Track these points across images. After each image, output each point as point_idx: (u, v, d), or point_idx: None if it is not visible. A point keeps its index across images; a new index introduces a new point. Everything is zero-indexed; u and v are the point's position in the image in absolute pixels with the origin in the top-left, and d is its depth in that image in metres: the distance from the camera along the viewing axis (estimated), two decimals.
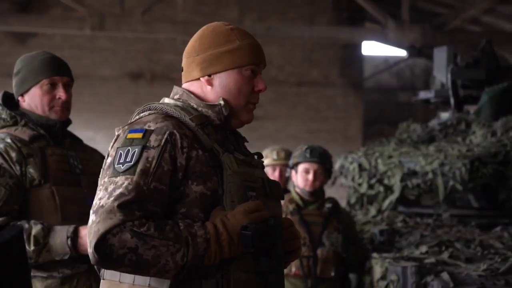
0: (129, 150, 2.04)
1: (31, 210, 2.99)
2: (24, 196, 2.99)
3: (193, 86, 2.24)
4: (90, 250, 1.96)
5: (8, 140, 3.02)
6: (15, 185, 2.96)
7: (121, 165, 2.02)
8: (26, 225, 2.92)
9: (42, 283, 3.01)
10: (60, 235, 2.93)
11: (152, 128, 2.07)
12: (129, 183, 1.99)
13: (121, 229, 1.94)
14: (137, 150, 2.04)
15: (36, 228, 2.92)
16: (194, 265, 1.99)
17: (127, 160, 2.03)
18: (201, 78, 2.21)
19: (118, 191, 1.98)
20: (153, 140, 2.05)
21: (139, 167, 2.01)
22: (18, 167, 2.98)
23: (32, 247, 2.91)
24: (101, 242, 1.94)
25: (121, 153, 2.05)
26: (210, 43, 2.20)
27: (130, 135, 2.07)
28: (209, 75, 2.20)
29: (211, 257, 2.00)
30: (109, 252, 1.94)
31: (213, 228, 2.01)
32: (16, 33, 12.74)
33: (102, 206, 1.97)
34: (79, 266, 3.00)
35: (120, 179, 2.00)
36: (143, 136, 2.06)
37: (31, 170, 2.99)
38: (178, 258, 1.96)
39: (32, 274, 2.97)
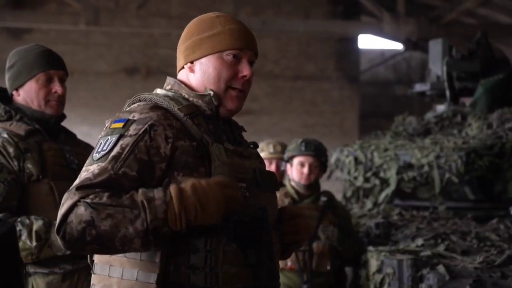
0: (108, 139, 2.04)
1: (30, 206, 2.97)
2: (22, 191, 2.97)
3: (181, 75, 2.24)
4: (58, 237, 1.95)
5: (5, 135, 2.99)
6: (13, 181, 2.94)
7: (97, 154, 2.02)
8: (27, 221, 2.90)
9: (44, 279, 2.99)
10: None
11: (135, 118, 2.06)
12: (96, 168, 1.98)
13: (76, 205, 1.93)
14: (114, 138, 2.03)
15: (37, 224, 2.90)
16: (159, 230, 1.93)
17: (103, 148, 2.02)
18: (185, 66, 2.21)
19: (84, 176, 1.98)
20: (132, 129, 2.04)
21: (112, 153, 2.00)
22: (16, 163, 2.96)
23: (34, 243, 2.89)
24: (63, 224, 1.93)
25: (101, 142, 2.05)
26: (194, 31, 2.20)
27: (113, 125, 2.07)
28: (192, 62, 2.19)
29: (174, 220, 1.94)
30: (70, 231, 1.92)
31: (177, 190, 1.96)
32: (10, 28, 12.72)
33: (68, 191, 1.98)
34: (80, 262, 2.98)
35: (92, 167, 2.00)
36: (123, 126, 2.05)
37: (29, 165, 2.97)
38: (137, 224, 1.92)
39: (33, 270, 2.97)
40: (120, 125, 2.05)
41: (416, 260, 3.87)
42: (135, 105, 2.17)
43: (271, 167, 5.41)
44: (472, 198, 5.14)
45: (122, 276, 2.04)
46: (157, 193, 1.95)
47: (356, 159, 5.56)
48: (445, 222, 4.83)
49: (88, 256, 2.14)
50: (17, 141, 2.99)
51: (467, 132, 5.41)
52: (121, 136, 2.03)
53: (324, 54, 13.85)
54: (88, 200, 1.92)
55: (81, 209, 1.92)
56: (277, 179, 2.29)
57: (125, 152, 2.00)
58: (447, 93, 5.93)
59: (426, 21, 11.66)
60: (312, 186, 4.66)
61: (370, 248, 4.42)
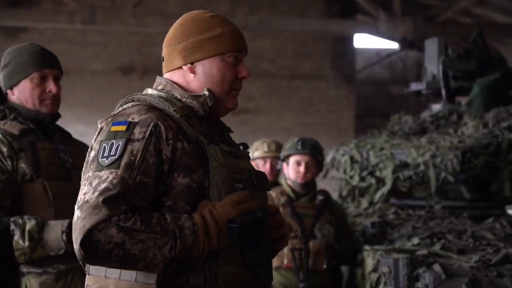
0: (113, 143, 2.01)
1: (23, 206, 2.97)
2: (16, 191, 2.96)
3: (176, 75, 2.21)
4: (76, 247, 1.94)
5: None
6: (7, 181, 2.93)
7: (105, 159, 1.99)
8: (20, 221, 2.89)
9: (37, 279, 2.98)
10: (55, 230, 2.91)
11: (136, 120, 2.04)
12: (113, 177, 1.96)
13: (106, 225, 1.91)
14: (121, 143, 2.00)
15: (30, 224, 2.89)
16: (183, 257, 1.97)
17: (111, 153, 2.00)
18: (183, 67, 2.19)
19: (102, 186, 1.95)
20: (137, 132, 2.02)
21: (124, 160, 1.98)
22: (9, 162, 2.95)
23: (27, 243, 2.88)
24: (87, 238, 1.91)
25: (104, 147, 2.02)
26: (191, 30, 2.19)
27: (114, 128, 2.04)
28: (192, 63, 2.18)
29: (199, 249, 1.98)
30: (95, 248, 1.91)
31: (201, 219, 1.98)
32: (6, 27, 12.68)
33: (87, 201, 1.95)
34: (74, 262, 2.92)
35: (104, 173, 1.97)
36: (127, 129, 2.02)
37: (22, 165, 2.97)
38: (166, 251, 1.94)
39: (26, 270, 2.96)
40: (123, 128, 2.03)
41: (412, 259, 3.87)
42: (129, 105, 2.15)
43: (265, 166, 5.40)
44: (468, 197, 5.14)
45: (120, 277, 2.03)
46: (186, 221, 1.97)
47: (352, 158, 5.55)
48: (441, 221, 4.83)
49: None
50: (11, 140, 2.98)
51: (463, 131, 5.41)
52: (128, 141, 2.01)
53: (320, 53, 13.84)
54: (121, 223, 1.92)
55: (112, 231, 1.91)
56: (268, 179, 2.29)
57: (137, 159, 1.99)
58: (443, 92, 5.92)
59: (422, 20, 11.66)
60: (308, 184, 4.66)
61: (366, 247, 4.41)
